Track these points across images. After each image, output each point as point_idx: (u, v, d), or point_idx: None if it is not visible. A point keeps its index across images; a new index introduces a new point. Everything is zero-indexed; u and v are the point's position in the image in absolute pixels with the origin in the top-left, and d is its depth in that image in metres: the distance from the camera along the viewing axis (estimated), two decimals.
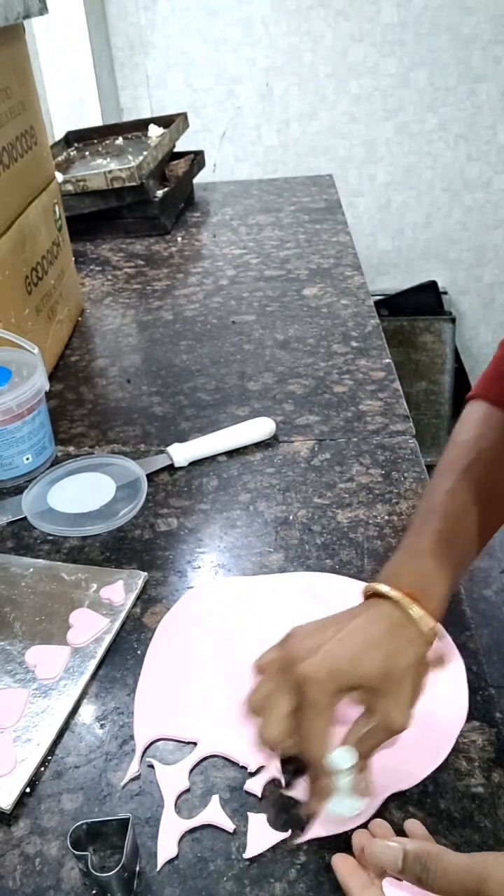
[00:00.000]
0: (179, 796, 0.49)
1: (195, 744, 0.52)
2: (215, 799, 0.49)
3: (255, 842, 0.46)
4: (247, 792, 0.49)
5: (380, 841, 0.40)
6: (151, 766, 0.51)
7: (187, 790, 0.49)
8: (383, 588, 0.49)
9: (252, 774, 0.50)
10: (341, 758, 0.44)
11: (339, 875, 0.43)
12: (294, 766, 0.50)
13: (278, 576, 0.67)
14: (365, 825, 0.46)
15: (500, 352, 0.59)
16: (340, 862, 0.43)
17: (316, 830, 0.46)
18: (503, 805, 0.47)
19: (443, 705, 0.53)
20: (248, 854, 0.45)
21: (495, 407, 0.56)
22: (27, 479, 0.81)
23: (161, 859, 0.45)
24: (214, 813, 0.48)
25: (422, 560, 0.50)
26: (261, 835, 0.46)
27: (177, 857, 0.46)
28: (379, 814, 0.47)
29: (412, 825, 0.46)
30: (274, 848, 0.46)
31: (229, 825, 0.47)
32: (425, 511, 0.53)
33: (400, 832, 0.46)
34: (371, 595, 0.50)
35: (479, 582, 1.95)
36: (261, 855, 0.45)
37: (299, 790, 0.49)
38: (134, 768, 0.51)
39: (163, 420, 0.92)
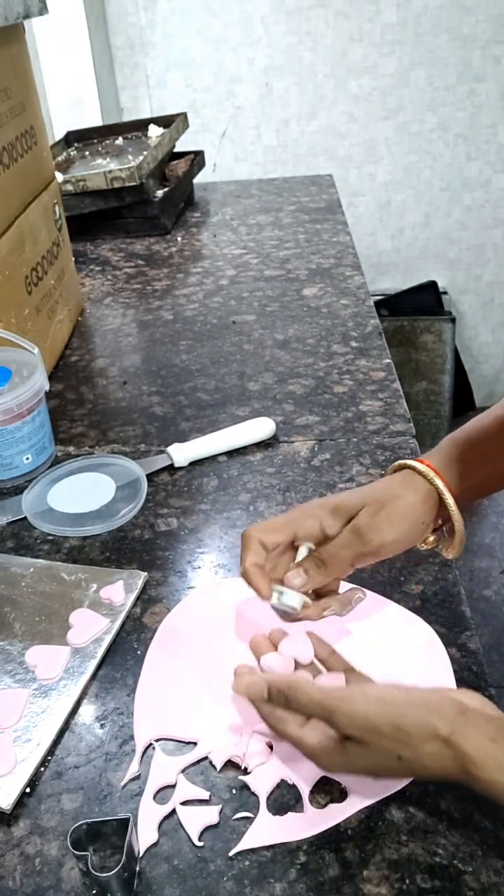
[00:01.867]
0: (161, 789, 0.50)
1: (195, 744, 0.52)
2: (182, 779, 0.50)
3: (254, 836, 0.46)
4: (246, 788, 0.49)
5: (248, 676, 0.48)
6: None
7: (171, 786, 0.50)
8: (405, 461, 0.59)
9: (248, 773, 0.50)
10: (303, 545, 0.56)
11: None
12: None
13: None
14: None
15: None
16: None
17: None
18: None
19: None
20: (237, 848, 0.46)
21: None
22: (27, 479, 0.81)
23: (143, 846, 0.46)
24: (186, 791, 0.49)
25: (449, 450, 0.59)
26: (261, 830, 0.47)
27: (157, 843, 0.46)
28: (379, 814, 0.47)
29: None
30: (274, 848, 0.46)
31: (203, 794, 0.48)
32: (473, 421, 0.61)
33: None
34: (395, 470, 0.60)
35: (480, 582, 1.95)
36: (261, 855, 0.45)
37: (256, 781, 0.50)
38: (134, 768, 0.51)
39: (163, 420, 0.92)
